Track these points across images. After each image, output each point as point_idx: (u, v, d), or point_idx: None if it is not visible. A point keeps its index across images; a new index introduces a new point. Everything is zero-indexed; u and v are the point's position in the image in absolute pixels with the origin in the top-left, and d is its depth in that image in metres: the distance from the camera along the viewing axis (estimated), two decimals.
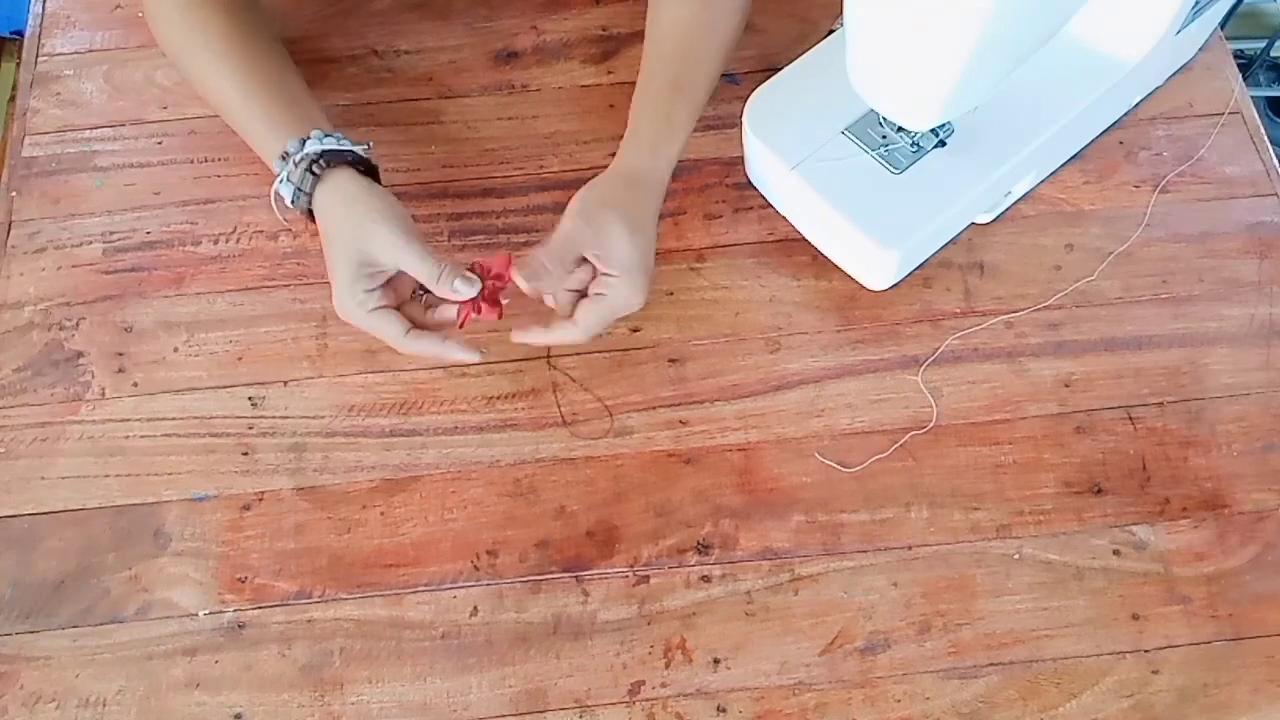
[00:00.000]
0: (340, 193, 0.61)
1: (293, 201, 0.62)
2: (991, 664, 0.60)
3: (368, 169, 0.64)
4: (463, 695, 0.60)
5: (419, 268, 0.60)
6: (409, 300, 0.63)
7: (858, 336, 0.68)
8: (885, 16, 0.52)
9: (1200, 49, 0.76)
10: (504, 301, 0.63)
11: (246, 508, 0.65)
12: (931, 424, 0.66)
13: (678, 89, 0.66)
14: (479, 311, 0.62)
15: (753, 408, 0.66)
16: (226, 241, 0.73)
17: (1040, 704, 0.59)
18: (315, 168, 0.61)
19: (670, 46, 0.68)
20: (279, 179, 0.62)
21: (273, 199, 0.63)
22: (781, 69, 0.68)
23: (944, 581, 0.62)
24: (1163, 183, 0.72)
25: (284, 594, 0.62)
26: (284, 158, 0.62)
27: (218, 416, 0.67)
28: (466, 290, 0.60)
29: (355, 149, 0.63)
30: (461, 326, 0.63)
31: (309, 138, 0.61)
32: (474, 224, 0.73)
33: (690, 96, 0.67)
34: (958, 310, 0.69)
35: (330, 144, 0.61)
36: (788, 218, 0.71)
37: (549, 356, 0.68)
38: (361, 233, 0.60)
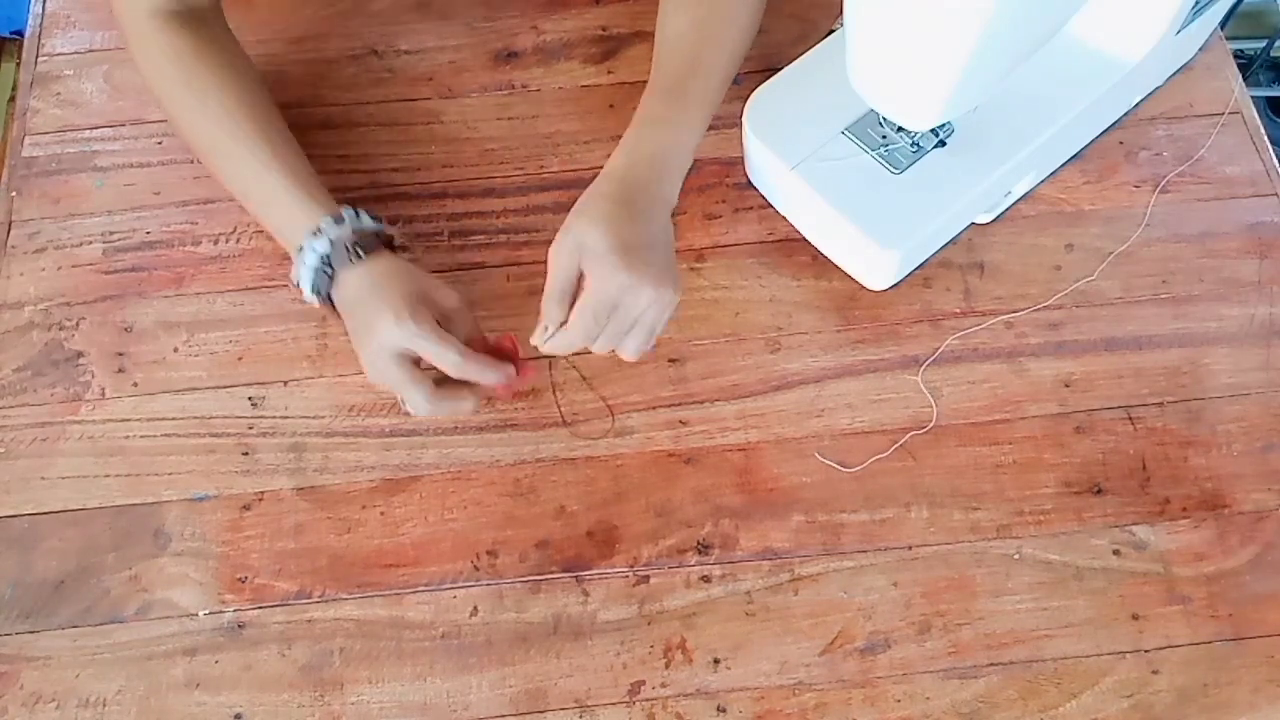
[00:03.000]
0: (355, 290, 0.60)
1: (314, 282, 0.61)
2: (991, 664, 0.60)
3: (389, 243, 0.64)
4: (463, 695, 0.60)
5: (467, 319, 0.61)
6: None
7: (858, 336, 0.68)
8: (885, 16, 0.52)
9: (1200, 49, 0.76)
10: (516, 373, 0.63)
11: (246, 508, 0.65)
12: (931, 424, 0.66)
13: (682, 91, 0.64)
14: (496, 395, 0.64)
15: (753, 408, 0.66)
16: (226, 241, 0.73)
17: (1040, 704, 0.59)
18: (358, 251, 0.60)
19: (677, 58, 0.65)
20: (297, 278, 0.62)
21: (294, 286, 0.63)
22: (781, 69, 0.68)
23: (944, 581, 0.62)
24: (1163, 183, 0.72)
25: (284, 594, 0.62)
26: (299, 250, 0.61)
27: (218, 416, 0.67)
28: (496, 376, 0.60)
29: (372, 229, 0.63)
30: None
31: (318, 231, 0.60)
32: (474, 224, 0.73)
33: (698, 97, 0.64)
34: (958, 310, 0.69)
35: (340, 234, 0.60)
36: (788, 218, 0.71)
37: (550, 356, 0.68)
38: (422, 278, 0.60)
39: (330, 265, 0.60)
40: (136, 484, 0.65)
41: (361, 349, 0.60)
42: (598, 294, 0.57)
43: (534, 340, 0.60)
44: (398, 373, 0.59)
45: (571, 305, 0.59)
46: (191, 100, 0.65)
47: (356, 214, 0.62)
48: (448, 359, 0.58)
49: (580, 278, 0.59)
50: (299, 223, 0.62)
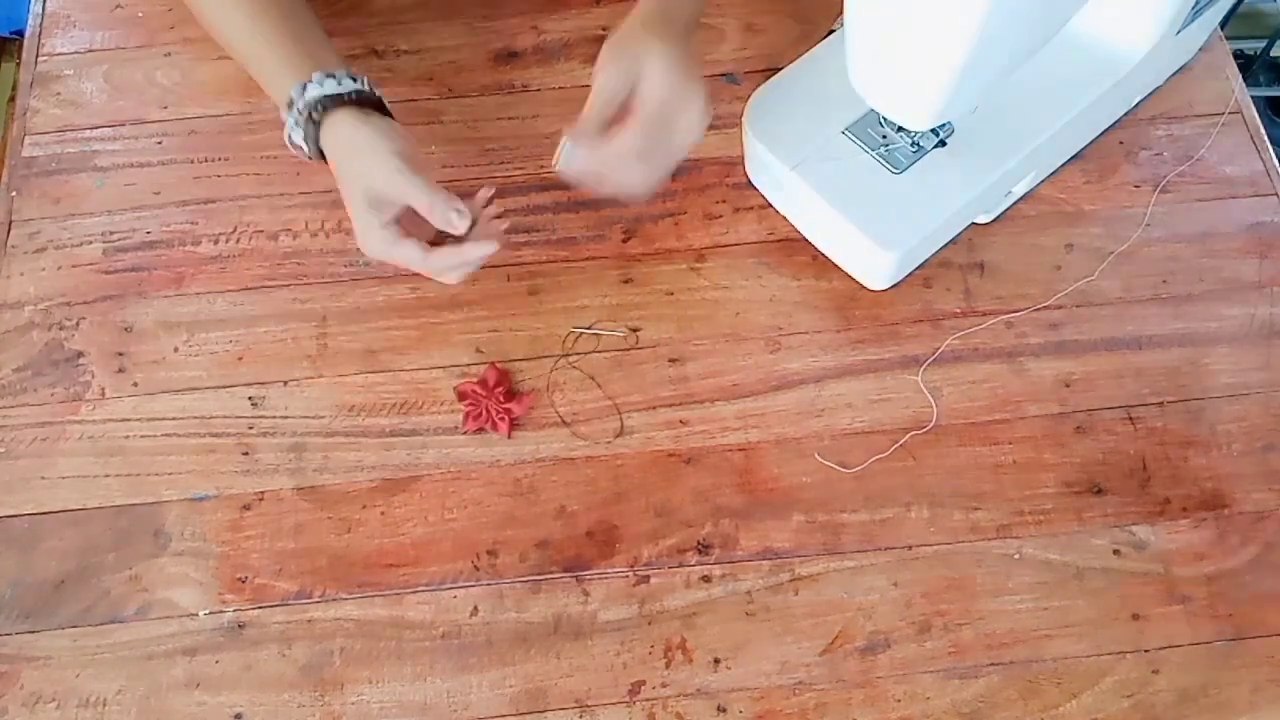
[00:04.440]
0: (339, 136, 0.61)
1: (307, 149, 0.62)
2: (991, 664, 0.60)
3: (375, 103, 0.64)
4: (463, 695, 0.60)
5: (416, 197, 0.60)
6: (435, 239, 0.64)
7: (858, 336, 0.68)
8: (885, 17, 0.52)
9: (1200, 49, 0.76)
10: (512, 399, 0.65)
11: (246, 508, 0.65)
12: (931, 424, 0.66)
13: None
14: (492, 427, 0.65)
15: (753, 408, 0.66)
16: (226, 241, 0.73)
17: (1040, 704, 0.59)
18: (314, 114, 0.61)
19: None
20: (287, 128, 0.62)
21: (289, 145, 0.63)
22: (781, 69, 0.68)
23: (944, 581, 0.62)
24: (1163, 183, 0.72)
25: (284, 594, 0.62)
26: (289, 106, 0.62)
27: (218, 416, 0.67)
28: (460, 222, 0.60)
29: (350, 89, 0.62)
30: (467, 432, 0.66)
31: (309, 82, 0.61)
32: None
33: None
34: (958, 310, 0.69)
35: (330, 87, 0.61)
36: (788, 218, 0.71)
37: (552, 355, 0.68)
38: (362, 171, 0.60)
39: (318, 114, 0.61)
40: (136, 484, 0.65)
41: (351, 204, 0.61)
42: (659, 106, 0.59)
43: (557, 159, 0.60)
44: (387, 255, 0.60)
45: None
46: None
47: (354, 78, 0.62)
48: (412, 266, 0.60)
49: (621, 108, 0.60)
50: (287, 78, 0.62)
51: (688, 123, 0.61)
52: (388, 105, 0.64)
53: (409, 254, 0.60)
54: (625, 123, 0.60)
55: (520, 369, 0.68)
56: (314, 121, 0.61)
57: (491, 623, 0.61)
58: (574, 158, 0.59)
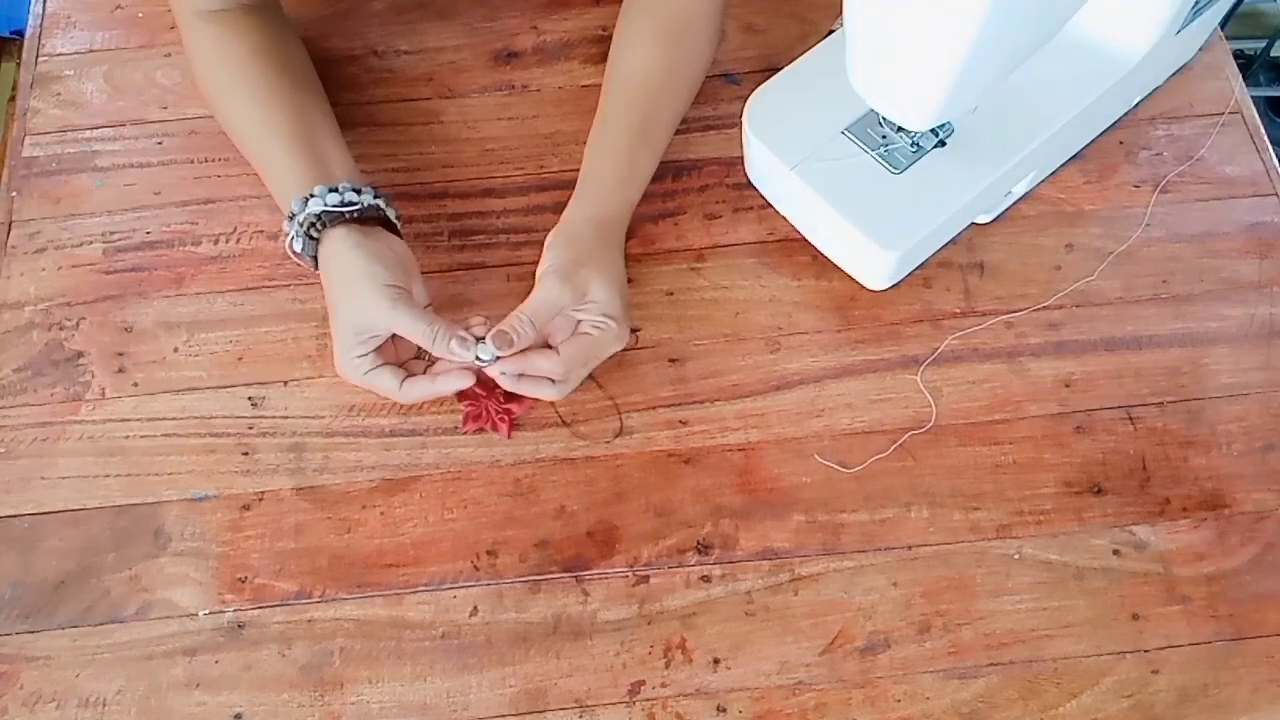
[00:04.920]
0: (333, 258, 0.61)
1: (305, 261, 0.63)
2: (991, 664, 0.60)
3: (379, 218, 0.64)
4: (463, 695, 0.60)
5: (412, 330, 0.59)
6: (414, 359, 0.64)
7: (858, 336, 0.68)
8: (884, 16, 0.52)
9: (1200, 49, 0.76)
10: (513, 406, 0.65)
11: (246, 508, 0.65)
12: (931, 424, 0.66)
13: (642, 136, 0.67)
14: (492, 427, 0.65)
15: (753, 408, 0.66)
16: (226, 241, 0.73)
17: (1040, 704, 0.59)
18: (313, 231, 0.61)
19: (634, 93, 0.68)
20: (288, 238, 0.62)
21: (290, 254, 0.64)
22: (781, 69, 0.68)
23: (944, 581, 0.62)
24: (1163, 183, 0.72)
25: (284, 594, 0.62)
26: (289, 218, 0.62)
27: (218, 416, 0.67)
28: (463, 352, 0.59)
29: (352, 205, 0.61)
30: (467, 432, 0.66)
31: (311, 196, 0.61)
32: (474, 224, 0.73)
33: (653, 144, 0.68)
34: (958, 310, 0.69)
35: (331, 202, 0.61)
36: (788, 218, 0.71)
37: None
38: (352, 299, 0.60)
39: (316, 230, 0.61)
40: (136, 484, 0.65)
41: (335, 325, 0.61)
42: (600, 342, 0.62)
43: (481, 350, 0.60)
44: (361, 382, 0.61)
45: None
46: (222, 95, 0.68)
47: (357, 190, 0.62)
48: (387, 395, 0.61)
49: (559, 319, 0.61)
50: (291, 186, 0.63)
51: (609, 349, 0.63)
52: (396, 219, 0.65)
53: (384, 383, 0.61)
54: (550, 342, 0.62)
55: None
56: (313, 237, 0.61)
57: (491, 623, 0.61)
58: (487, 356, 0.60)
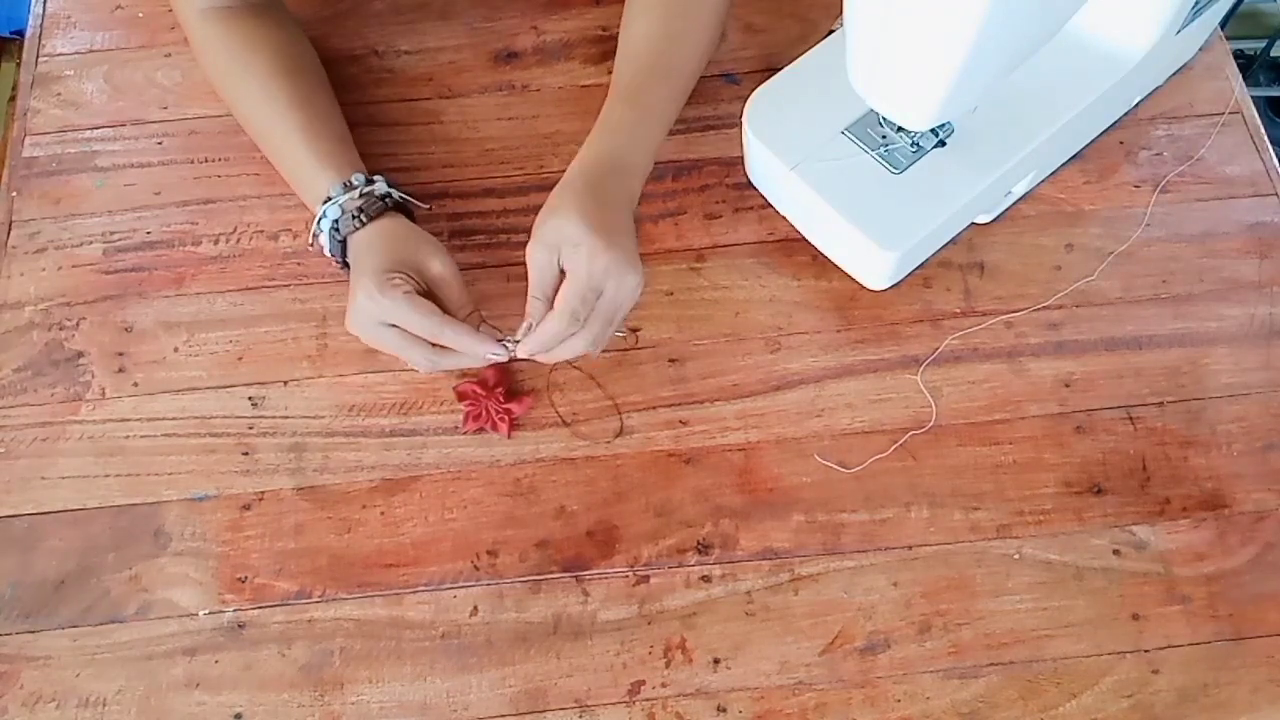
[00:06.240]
0: (386, 227, 0.63)
1: (330, 240, 0.63)
2: (991, 664, 0.60)
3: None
4: (463, 695, 0.60)
5: (455, 287, 0.61)
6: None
7: (858, 336, 0.68)
8: (884, 16, 0.52)
9: (1200, 49, 0.76)
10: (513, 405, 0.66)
11: (246, 508, 0.65)
12: (931, 424, 0.66)
13: (636, 97, 0.65)
14: (492, 427, 0.65)
15: (753, 408, 0.66)
16: (226, 241, 0.73)
17: (1040, 704, 0.59)
18: (363, 216, 0.62)
19: (634, 61, 0.67)
20: (319, 219, 0.63)
21: (315, 236, 0.65)
22: (781, 69, 0.68)
23: (944, 581, 0.62)
24: (1163, 183, 0.72)
25: (284, 594, 0.62)
26: (327, 200, 0.63)
27: (218, 416, 0.67)
28: (489, 336, 0.60)
29: (403, 198, 0.65)
30: (467, 431, 0.66)
31: (349, 183, 0.63)
32: (474, 224, 0.73)
33: (659, 103, 0.66)
34: (958, 310, 0.69)
35: (380, 188, 0.63)
36: (788, 218, 0.71)
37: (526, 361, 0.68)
38: (413, 244, 0.62)
39: (339, 230, 0.63)
40: (136, 484, 0.65)
41: (349, 317, 0.61)
42: (583, 279, 0.58)
43: (517, 347, 0.60)
44: (386, 338, 0.60)
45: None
46: (233, 91, 0.69)
47: (369, 180, 0.64)
48: (424, 326, 0.59)
49: (559, 276, 0.60)
50: (317, 190, 0.65)
51: (617, 287, 0.59)
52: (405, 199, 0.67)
53: (424, 318, 0.58)
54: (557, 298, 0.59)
55: (520, 369, 0.68)
56: (360, 220, 0.62)
57: (491, 623, 0.61)
58: (518, 349, 0.60)
